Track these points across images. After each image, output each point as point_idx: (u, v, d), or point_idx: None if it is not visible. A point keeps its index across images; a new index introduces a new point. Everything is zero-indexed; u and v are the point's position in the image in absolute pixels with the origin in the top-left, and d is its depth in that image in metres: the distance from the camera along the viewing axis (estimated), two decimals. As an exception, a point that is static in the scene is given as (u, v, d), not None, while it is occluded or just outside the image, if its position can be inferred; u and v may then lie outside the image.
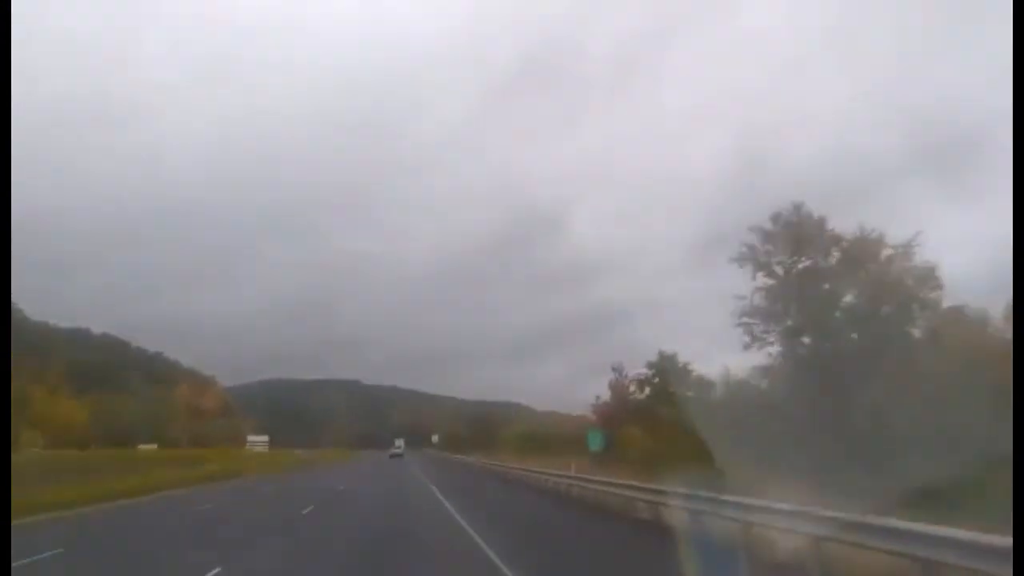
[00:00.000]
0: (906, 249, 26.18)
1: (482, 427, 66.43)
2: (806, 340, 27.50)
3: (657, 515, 16.80)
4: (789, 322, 27.67)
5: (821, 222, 27.81)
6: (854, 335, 26.39)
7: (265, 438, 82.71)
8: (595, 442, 28.35)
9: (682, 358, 37.23)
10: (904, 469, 14.51)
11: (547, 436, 42.99)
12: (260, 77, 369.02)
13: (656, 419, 30.60)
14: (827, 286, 26.80)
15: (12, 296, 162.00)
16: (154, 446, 76.17)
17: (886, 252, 26.72)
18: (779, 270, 27.99)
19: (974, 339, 25.01)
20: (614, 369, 43.34)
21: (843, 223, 26.40)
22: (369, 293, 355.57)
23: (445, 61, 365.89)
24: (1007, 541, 5.74)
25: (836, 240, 27.10)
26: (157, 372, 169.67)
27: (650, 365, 38.90)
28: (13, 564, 10.42)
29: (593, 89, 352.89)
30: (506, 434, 56.32)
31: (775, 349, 28.21)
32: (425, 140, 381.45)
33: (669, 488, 15.69)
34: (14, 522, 14.16)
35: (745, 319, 28.41)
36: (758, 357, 28.59)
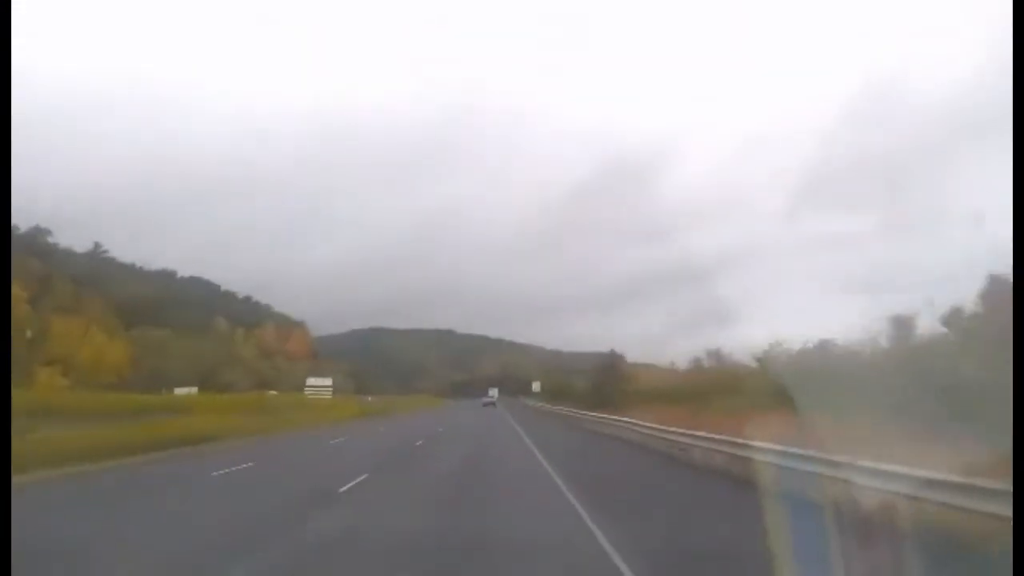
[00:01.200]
0: None
1: (605, 377, 45.73)
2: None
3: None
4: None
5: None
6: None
7: (328, 381, 65.27)
8: None
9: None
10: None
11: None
12: (356, 27, 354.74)
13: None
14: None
15: (101, 239, 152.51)
16: (193, 389, 60.20)
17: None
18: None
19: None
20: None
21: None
22: (463, 242, 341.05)
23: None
24: None
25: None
26: (243, 315, 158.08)
27: None
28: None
29: (694, 28, 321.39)
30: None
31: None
32: (519, 87, 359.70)
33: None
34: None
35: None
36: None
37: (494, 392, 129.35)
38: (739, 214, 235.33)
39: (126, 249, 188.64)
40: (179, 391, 60.39)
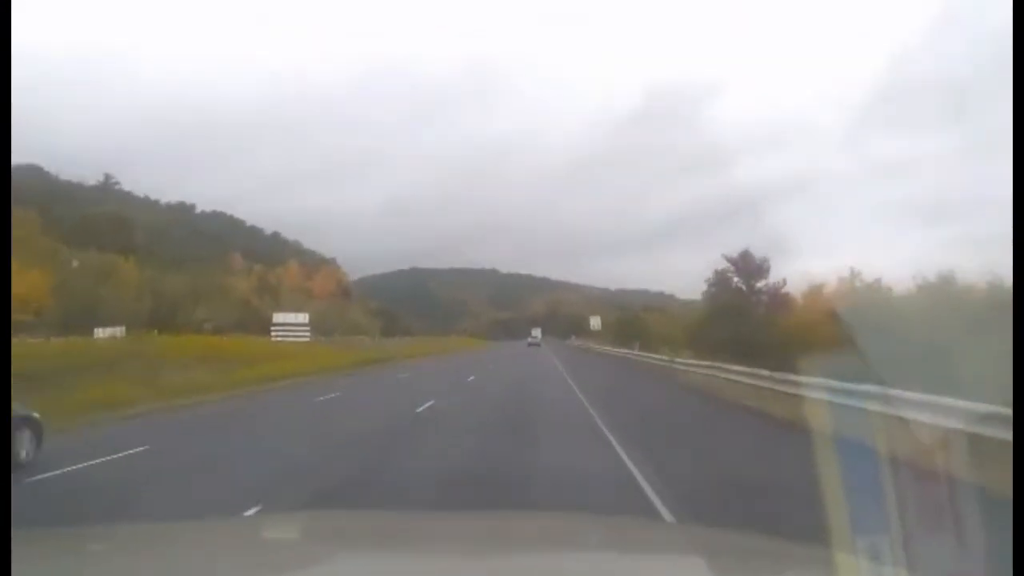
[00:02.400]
0: None
1: (741, 302, 24.51)
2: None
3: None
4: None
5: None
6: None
7: (302, 318, 44.48)
8: None
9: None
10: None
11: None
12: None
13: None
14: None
15: (116, 174, 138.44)
16: (119, 330, 41.72)
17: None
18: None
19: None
20: None
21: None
22: (507, 181, 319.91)
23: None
24: None
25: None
26: (266, 252, 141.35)
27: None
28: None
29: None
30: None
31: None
32: (562, 17, 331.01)
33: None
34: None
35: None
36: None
37: (537, 332, 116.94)
38: (794, 142, 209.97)
39: (161, 190, 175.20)
40: (101, 332, 42.05)
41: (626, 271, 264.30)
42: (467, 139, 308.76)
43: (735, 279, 26.83)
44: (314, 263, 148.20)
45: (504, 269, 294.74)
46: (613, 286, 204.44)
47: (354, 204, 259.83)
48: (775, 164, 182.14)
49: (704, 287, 31.27)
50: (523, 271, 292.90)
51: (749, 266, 26.55)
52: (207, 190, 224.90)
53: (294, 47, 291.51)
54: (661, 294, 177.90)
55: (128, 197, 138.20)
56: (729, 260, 26.96)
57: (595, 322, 61.40)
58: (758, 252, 26.14)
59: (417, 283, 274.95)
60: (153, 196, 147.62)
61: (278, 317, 44.73)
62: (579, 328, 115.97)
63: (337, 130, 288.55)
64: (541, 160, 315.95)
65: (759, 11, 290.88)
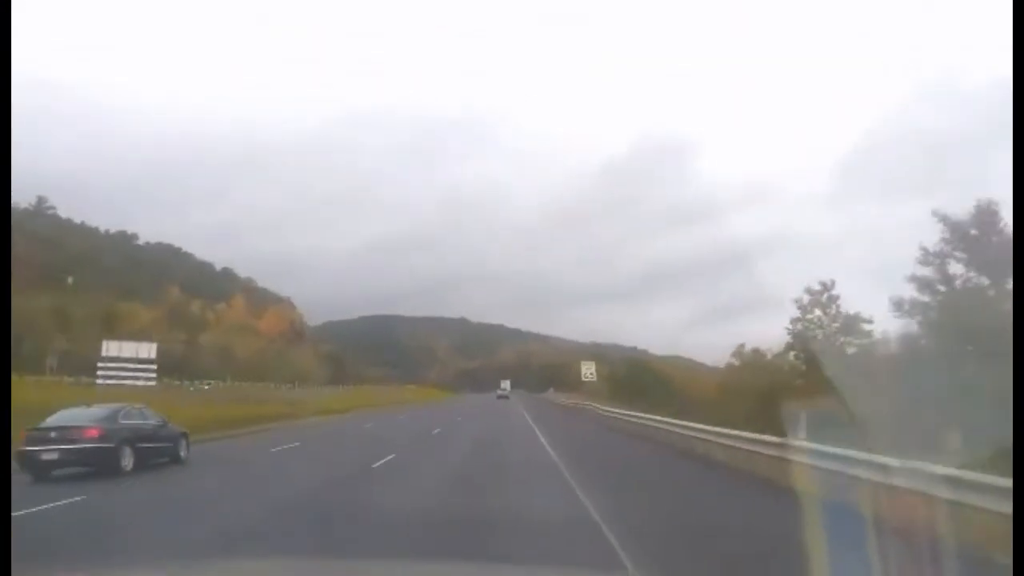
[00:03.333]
0: None
1: None
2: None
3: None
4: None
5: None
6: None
7: (148, 350, 29.29)
8: None
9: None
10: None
11: None
12: (377, 15, 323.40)
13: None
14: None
15: (67, 205, 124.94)
16: None
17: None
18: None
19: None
20: None
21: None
22: (480, 230, 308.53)
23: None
24: None
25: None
26: (212, 286, 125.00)
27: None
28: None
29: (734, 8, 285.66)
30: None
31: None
32: (542, 66, 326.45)
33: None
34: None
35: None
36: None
37: (506, 385, 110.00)
38: (773, 201, 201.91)
39: (109, 220, 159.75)
40: None
41: (598, 324, 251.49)
42: (443, 187, 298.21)
43: (961, 267, 12.33)
44: (264, 301, 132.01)
45: (474, 319, 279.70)
46: (584, 339, 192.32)
47: (322, 248, 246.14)
48: (753, 223, 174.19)
49: (800, 305, 16.96)
50: (494, 321, 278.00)
51: (989, 232, 11.69)
52: (164, 224, 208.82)
53: (266, 89, 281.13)
54: (635, 348, 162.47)
55: (64, 223, 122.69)
56: (945, 222, 12.61)
57: (588, 370, 45.14)
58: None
59: (384, 330, 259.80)
60: (93, 224, 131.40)
61: (110, 348, 28.56)
62: (555, 380, 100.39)
63: (309, 173, 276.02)
64: (516, 211, 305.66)
65: (740, 72, 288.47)
